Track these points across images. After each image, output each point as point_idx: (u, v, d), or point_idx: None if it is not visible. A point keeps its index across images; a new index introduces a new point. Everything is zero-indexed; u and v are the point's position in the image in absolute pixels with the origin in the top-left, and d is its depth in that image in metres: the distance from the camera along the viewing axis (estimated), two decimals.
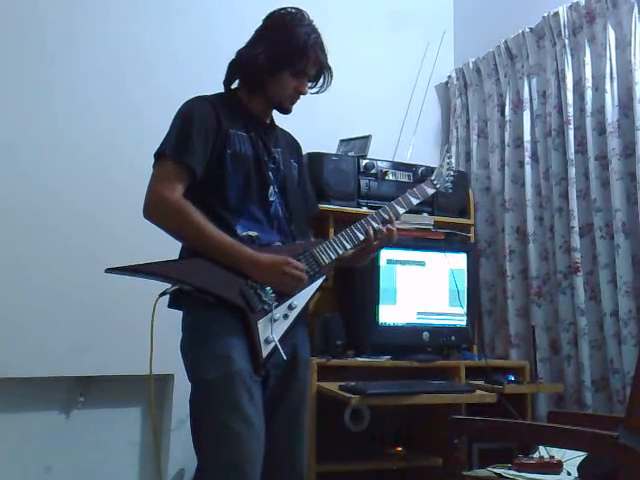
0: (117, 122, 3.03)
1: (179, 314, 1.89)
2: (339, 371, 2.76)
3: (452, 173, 2.21)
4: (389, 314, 2.99)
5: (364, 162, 3.19)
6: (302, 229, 2.04)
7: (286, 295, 1.87)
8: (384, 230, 1.99)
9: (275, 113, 2.06)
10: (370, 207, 3.04)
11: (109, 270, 1.78)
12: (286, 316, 1.86)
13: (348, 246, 1.98)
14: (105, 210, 2.96)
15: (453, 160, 2.29)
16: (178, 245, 1.91)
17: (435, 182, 2.17)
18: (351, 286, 3.02)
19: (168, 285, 1.82)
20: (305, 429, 1.98)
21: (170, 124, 1.90)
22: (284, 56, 1.92)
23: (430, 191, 2.15)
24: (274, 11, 2.00)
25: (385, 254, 2.96)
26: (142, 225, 1.85)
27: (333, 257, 1.94)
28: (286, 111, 2.02)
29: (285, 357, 1.84)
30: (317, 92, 2.05)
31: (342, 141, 3.42)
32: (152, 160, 1.88)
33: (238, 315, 1.81)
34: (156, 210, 1.83)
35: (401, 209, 2.06)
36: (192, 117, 1.88)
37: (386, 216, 2.02)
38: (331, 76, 2.02)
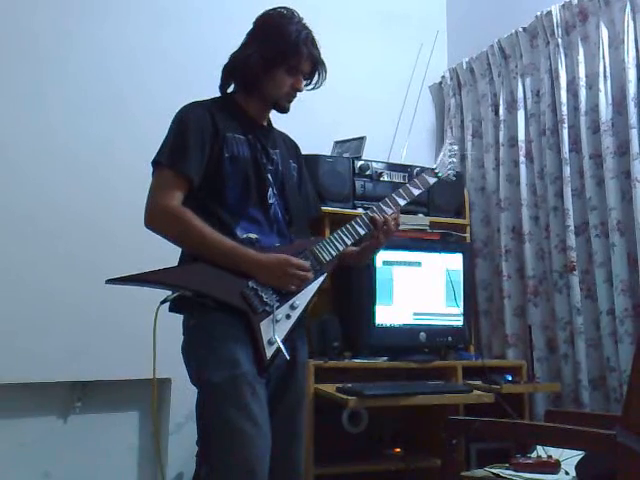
0: (112, 126, 3.02)
1: (177, 318, 1.88)
2: (336, 373, 2.76)
3: (455, 160, 2.14)
4: (386, 315, 2.98)
5: (359, 163, 3.19)
6: (302, 231, 2.03)
7: (289, 295, 1.86)
8: (390, 219, 1.97)
9: (272, 114, 2.05)
10: (366, 208, 3.00)
11: (109, 281, 1.77)
12: (288, 316, 1.85)
13: (349, 242, 1.95)
14: (102, 214, 2.95)
15: (456, 147, 2.19)
16: (177, 248, 1.91)
17: (437, 171, 2.11)
18: (347, 287, 3.02)
19: (168, 292, 1.82)
20: (303, 430, 1.98)
21: (166, 132, 1.90)
22: (277, 54, 1.91)
23: (432, 180, 2.09)
24: (264, 12, 2.00)
25: (381, 255, 2.95)
26: (140, 229, 1.85)
27: (334, 254, 1.93)
28: (284, 110, 2.00)
29: (288, 357, 1.83)
30: (313, 88, 2.03)
31: (337, 143, 3.42)
32: (148, 164, 1.88)
33: (240, 318, 1.81)
34: (157, 219, 1.83)
35: (402, 200, 2.02)
36: (188, 124, 1.87)
37: (387, 208, 1.99)
38: (325, 71, 2.01)
